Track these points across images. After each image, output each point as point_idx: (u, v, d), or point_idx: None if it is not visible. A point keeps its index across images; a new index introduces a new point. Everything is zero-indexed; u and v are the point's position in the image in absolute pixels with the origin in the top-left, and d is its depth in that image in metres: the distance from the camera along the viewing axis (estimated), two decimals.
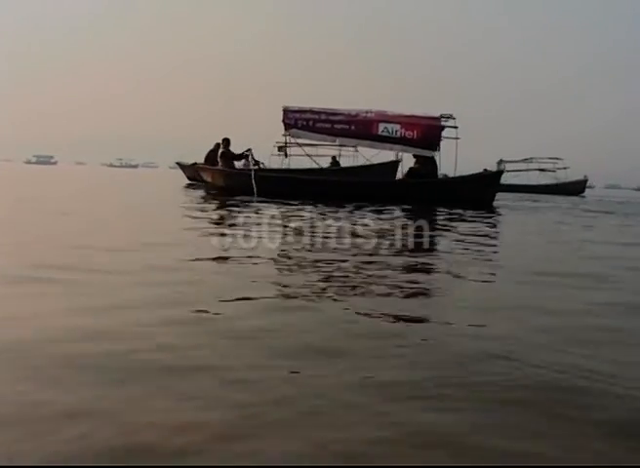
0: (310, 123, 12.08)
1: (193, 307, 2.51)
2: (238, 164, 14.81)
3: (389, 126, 11.87)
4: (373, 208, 9.21)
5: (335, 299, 2.77)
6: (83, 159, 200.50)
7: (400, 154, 13.22)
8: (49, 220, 6.31)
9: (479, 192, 11.73)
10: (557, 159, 28.18)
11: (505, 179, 28.85)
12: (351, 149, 17.54)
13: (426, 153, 11.79)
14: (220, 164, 13.30)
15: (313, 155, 18.42)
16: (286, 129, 12.13)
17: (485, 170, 28.08)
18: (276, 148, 15.79)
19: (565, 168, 27.68)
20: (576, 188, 27.24)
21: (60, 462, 1.24)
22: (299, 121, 12.10)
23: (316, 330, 2.26)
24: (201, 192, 12.62)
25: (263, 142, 17.25)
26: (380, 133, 11.87)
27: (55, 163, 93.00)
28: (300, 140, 12.84)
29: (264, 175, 12.25)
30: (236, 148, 13.79)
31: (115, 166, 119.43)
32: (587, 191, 50.13)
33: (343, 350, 2.02)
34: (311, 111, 12.21)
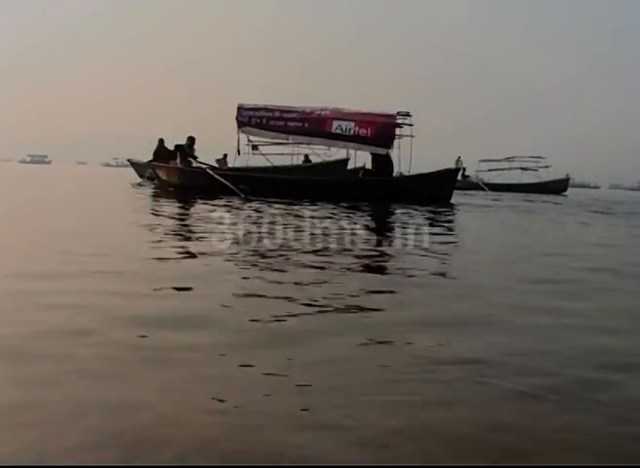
0: (264, 121, 11.97)
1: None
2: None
3: (343, 123, 11.73)
4: (325, 206, 9.04)
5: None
6: (84, 159, 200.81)
7: (349, 152, 13.09)
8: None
9: (436, 190, 11.61)
10: (539, 158, 28.07)
11: (490, 178, 29.08)
12: (324, 148, 17.48)
13: (380, 151, 11.67)
14: (178, 160, 13.25)
15: (287, 153, 18.50)
16: (239, 126, 12.03)
17: (464, 168, 28.09)
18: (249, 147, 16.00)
19: (547, 166, 27.57)
20: (558, 187, 27.12)
21: None
22: (252, 119, 12.00)
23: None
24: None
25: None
26: (333, 130, 11.73)
27: (49, 162, 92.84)
28: (254, 138, 12.71)
29: (223, 173, 12.13)
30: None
31: (111, 165, 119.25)
32: (592, 191, 50.95)
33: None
34: (265, 109, 12.10)
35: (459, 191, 22.88)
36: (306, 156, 19.10)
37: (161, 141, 16.82)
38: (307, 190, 11.12)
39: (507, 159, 28.38)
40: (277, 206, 8.74)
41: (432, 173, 12.05)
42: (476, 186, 26.01)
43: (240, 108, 12.12)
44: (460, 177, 27.58)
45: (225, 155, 18.31)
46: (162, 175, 12.99)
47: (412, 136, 11.81)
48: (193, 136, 13.91)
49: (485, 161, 28.96)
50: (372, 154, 11.94)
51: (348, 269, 3.74)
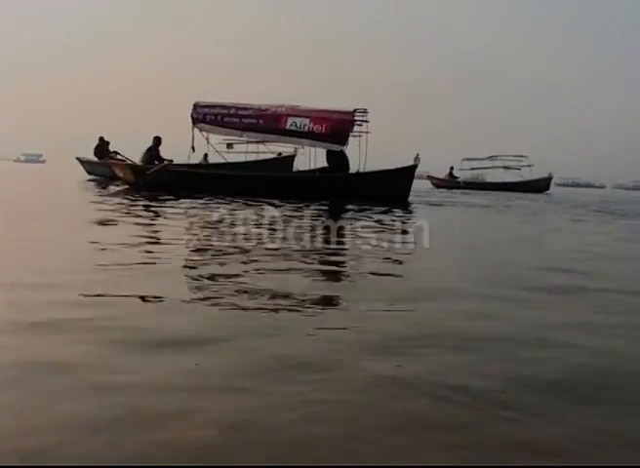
0: (218, 117, 11.93)
1: None
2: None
3: (298, 120, 11.64)
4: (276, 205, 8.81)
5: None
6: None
7: (296, 148, 13.00)
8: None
9: (393, 187, 11.44)
10: (521, 156, 28.07)
11: (474, 177, 29.03)
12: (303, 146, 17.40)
13: (334, 147, 11.55)
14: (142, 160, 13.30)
15: (260, 151, 18.43)
16: (193, 123, 11.98)
17: (451, 167, 28.03)
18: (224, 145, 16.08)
19: (529, 165, 27.55)
20: (541, 185, 27.11)
21: None
22: (207, 116, 11.97)
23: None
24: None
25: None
26: (287, 127, 11.65)
27: (43, 161, 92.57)
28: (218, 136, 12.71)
29: (170, 170, 12.05)
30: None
31: None
32: (596, 191, 50.81)
33: None
34: (221, 106, 12.08)
35: (444, 190, 22.95)
36: (279, 154, 19.04)
37: (101, 139, 17.35)
38: (251, 187, 10.87)
39: (490, 158, 28.36)
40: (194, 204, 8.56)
41: (388, 169, 11.92)
42: (458, 185, 25.94)
43: (196, 106, 12.10)
44: (447, 177, 27.70)
45: (206, 154, 18.43)
46: (118, 172, 12.89)
47: (368, 133, 11.72)
48: (159, 136, 13.86)
49: (468, 160, 28.93)
50: (327, 151, 11.83)
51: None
